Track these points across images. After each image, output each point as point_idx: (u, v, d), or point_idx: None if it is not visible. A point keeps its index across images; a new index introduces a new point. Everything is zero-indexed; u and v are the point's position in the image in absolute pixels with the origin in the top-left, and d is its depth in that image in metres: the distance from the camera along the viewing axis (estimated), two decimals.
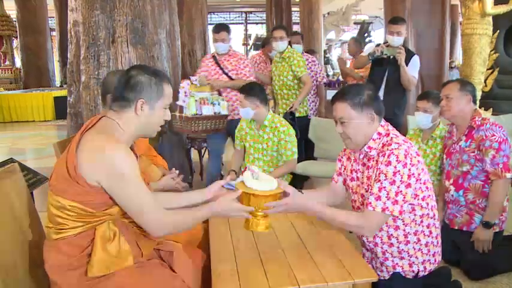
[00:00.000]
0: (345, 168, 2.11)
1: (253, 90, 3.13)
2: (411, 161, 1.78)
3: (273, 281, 1.60)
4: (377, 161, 1.85)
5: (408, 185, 1.78)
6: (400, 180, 1.77)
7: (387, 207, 1.77)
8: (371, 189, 1.83)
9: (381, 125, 1.93)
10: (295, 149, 3.12)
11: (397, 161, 1.77)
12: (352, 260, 1.75)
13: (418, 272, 1.95)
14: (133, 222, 1.66)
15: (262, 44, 5.94)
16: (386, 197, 1.77)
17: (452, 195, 2.68)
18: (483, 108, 5.05)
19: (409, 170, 1.78)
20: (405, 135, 3.32)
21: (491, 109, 5.06)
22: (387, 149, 1.81)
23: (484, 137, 2.51)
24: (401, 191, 1.77)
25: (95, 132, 1.59)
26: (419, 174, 1.82)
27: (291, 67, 4.18)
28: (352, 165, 2.04)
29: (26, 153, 7.16)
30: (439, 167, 3.00)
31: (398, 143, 1.81)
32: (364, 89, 1.93)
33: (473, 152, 2.57)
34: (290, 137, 3.09)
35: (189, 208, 1.79)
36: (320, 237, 1.98)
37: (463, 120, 2.64)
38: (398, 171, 1.76)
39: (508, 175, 2.49)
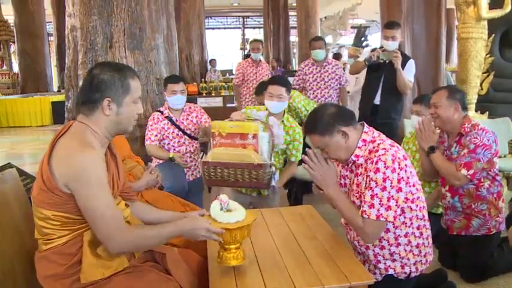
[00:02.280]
0: None
1: (289, 83, 3.08)
2: (399, 165, 1.79)
3: (270, 284, 1.61)
4: (365, 168, 1.86)
5: (399, 189, 1.79)
6: (391, 186, 1.78)
7: (381, 214, 1.79)
8: (364, 198, 1.84)
9: (365, 132, 1.93)
10: (300, 153, 3.08)
11: (385, 167, 1.78)
12: (349, 263, 1.76)
13: (410, 273, 1.96)
14: None
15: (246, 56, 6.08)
16: (379, 203, 1.79)
17: (449, 202, 2.69)
18: (479, 111, 5.08)
19: (398, 174, 1.79)
20: (402, 139, 3.35)
21: (487, 112, 5.09)
22: (374, 156, 1.82)
23: (468, 142, 2.53)
24: (392, 196, 1.79)
25: (66, 138, 1.56)
26: (408, 178, 1.83)
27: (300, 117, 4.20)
28: (340, 171, 2.05)
29: (24, 158, 7.16)
30: None
31: (385, 149, 1.82)
32: (322, 112, 1.92)
33: None
34: (301, 139, 3.05)
35: (153, 225, 1.72)
36: (317, 240, 1.99)
37: (452, 127, 2.64)
38: (388, 177, 1.78)
39: (463, 172, 2.48)
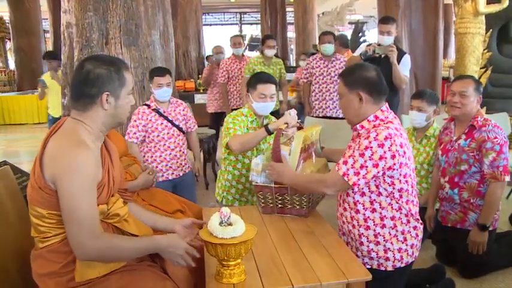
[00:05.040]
0: None
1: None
2: (390, 146, 1.80)
3: (267, 281, 1.60)
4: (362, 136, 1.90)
5: (376, 165, 1.81)
6: (369, 157, 1.80)
7: (348, 174, 1.84)
8: (345, 154, 1.92)
9: (382, 110, 1.95)
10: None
11: (374, 138, 1.80)
12: (346, 260, 1.75)
13: (394, 261, 1.94)
14: (115, 223, 1.64)
15: None
16: (351, 164, 1.84)
17: (447, 193, 2.68)
18: None
19: (384, 152, 1.79)
20: None
21: (485, 107, 5.09)
22: (374, 129, 1.86)
23: (486, 138, 2.49)
24: (366, 167, 1.81)
25: (58, 136, 1.53)
26: (394, 164, 1.82)
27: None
28: (350, 141, 2.08)
29: (20, 155, 7.15)
30: (432, 166, 3.01)
31: (387, 127, 1.84)
32: (362, 69, 1.98)
33: (473, 152, 2.55)
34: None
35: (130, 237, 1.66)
36: (314, 237, 1.98)
37: (467, 118, 2.62)
38: (371, 147, 1.80)
39: (507, 178, 2.48)
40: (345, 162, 1.85)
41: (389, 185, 1.88)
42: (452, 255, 2.78)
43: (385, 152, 1.79)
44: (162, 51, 3.92)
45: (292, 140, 2.26)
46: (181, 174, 3.43)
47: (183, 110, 3.46)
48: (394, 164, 1.82)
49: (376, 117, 1.93)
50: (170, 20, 4.15)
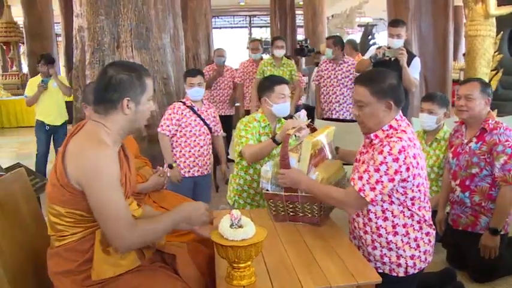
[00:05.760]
0: None
1: None
2: (404, 159, 1.79)
3: (277, 283, 1.61)
4: (375, 148, 1.88)
5: (391, 180, 1.80)
6: (385, 172, 1.79)
7: (364, 190, 1.83)
8: (359, 169, 1.91)
9: (396, 119, 1.92)
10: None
11: (388, 152, 1.79)
12: (356, 262, 1.75)
13: (407, 267, 1.93)
14: None
15: None
16: (367, 180, 1.83)
17: (458, 196, 2.66)
18: None
19: (399, 166, 1.79)
20: None
21: (496, 110, 5.05)
22: (386, 140, 1.84)
23: (498, 141, 2.47)
24: (382, 182, 1.81)
25: (80, 136, 1.58)
26: (408, 176, 1.82)
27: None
28: (361, 146, 2.07)
29: (33, 157, 7.17)
30: (442, 169, 3.00)
31: (400, 138, 1.83)
32: (387, 77, 1.93)
33: (484, 155, 2.53)
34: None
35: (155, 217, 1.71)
36: (324, 240, 1.98)
37: (477, 121, 2.61)
38: (386, 162, 1.79)
39: None
40: (360, 178, 1.85)
41: (402, 194, 1.88)
42: (463, 259, 2.76)
43: (400, 166, 1.79)
44: (173, 54, 3.95)
45: (300, 147, 2.21)
46: (205, 172, 3.55)
47: (214, 113, 3.62)
48: (409, 176, 1.82)
49: (391, 126, 1.91)
50: (180, 23, 4.19)
